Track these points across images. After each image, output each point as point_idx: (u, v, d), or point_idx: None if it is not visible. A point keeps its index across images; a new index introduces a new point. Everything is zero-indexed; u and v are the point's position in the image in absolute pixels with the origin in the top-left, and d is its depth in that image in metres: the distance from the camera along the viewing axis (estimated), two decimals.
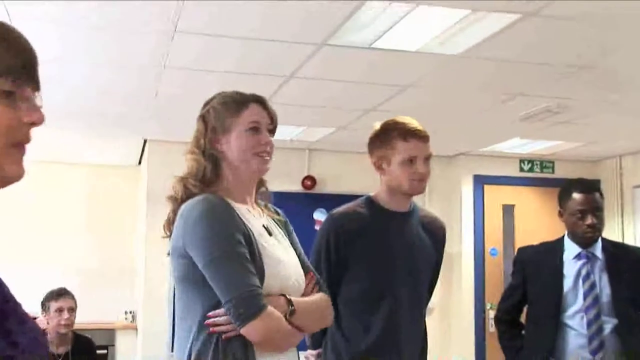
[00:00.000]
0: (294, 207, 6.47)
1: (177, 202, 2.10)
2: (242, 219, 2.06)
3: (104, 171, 7.60)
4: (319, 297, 2.20)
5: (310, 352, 2.97)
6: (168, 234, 2.13)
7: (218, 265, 1.95)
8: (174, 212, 2.11)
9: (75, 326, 5.31)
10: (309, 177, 6.64)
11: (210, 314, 1.97)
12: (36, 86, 1.12)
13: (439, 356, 6.48)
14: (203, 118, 2.18)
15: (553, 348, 3.42)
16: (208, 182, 2.11)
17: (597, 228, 3.45)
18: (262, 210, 2.25)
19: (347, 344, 2.75)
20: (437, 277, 2.98)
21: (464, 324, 6.79)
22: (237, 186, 2.16)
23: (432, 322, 6.37)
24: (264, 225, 2.17)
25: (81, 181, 7.59)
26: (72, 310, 4.79)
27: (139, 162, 7.24)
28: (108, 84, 4.55)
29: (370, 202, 2.83)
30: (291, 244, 2.26)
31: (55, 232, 7.47)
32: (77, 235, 7.52)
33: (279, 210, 2.34)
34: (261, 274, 2.00)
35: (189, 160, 2.14)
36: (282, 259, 2.12)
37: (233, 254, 1.95)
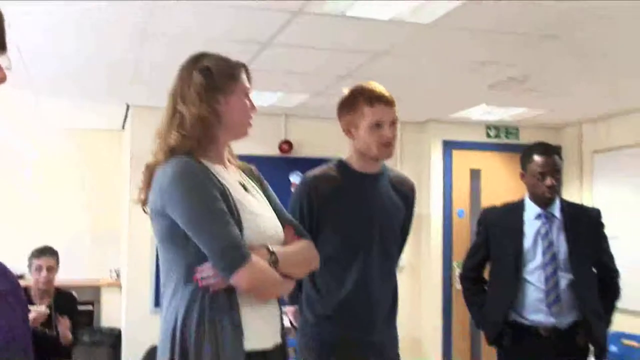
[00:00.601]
0: (272, 170, 6.45)
1: (165, 154, 2.06)
2: (217, 177, 2.05)
3: (90, 135, 7.55)
4: (301, 243, 2.21)
5: (289, 308, 3.01)
6: (142, 197, 2.12)
7: (199, 221, 1.95)
8: (149, 170, 2.09)
9: (63, 282, 5.36)
10: (286, 142, 6.63)
11: (197, 268, 1.97)
12: (2, 48, 1.11)
13: (409, 311, 6.59)
14: (204, 73, 2.11)
15: (513, 302, 3.49)
16: (202, 137, 2.08)
17: (555, 189, 3.50)
18: (235, 167, 2.25)
19: (322, 299, 2.78)
20: (407, 235, 3.01)
21: (432, 281, 6.86)
22: (218, 146, 2.15)
23: (402, 280, 6.43)
24: (240, 182, 2.17)
25: (69, 145, 7.54)
26: (52, 269, 4.82)
27: (123, 127, 7.20)
28: (92, 51, 4.48)
29: (342, 164, 2.85)
30: (267, 197, 2.26)
31: (45, 193, 7.45)
32: (66, 197, 7.51)
33: (252, 166, 2.34)
34: (239, 228, 2.00)
35: (193, 112, 2.07)
36: (259, 213, 2.13)
37: (212, 209, 1.95)
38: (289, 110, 6.41)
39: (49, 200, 7.45)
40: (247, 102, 2.18)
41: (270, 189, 2.33)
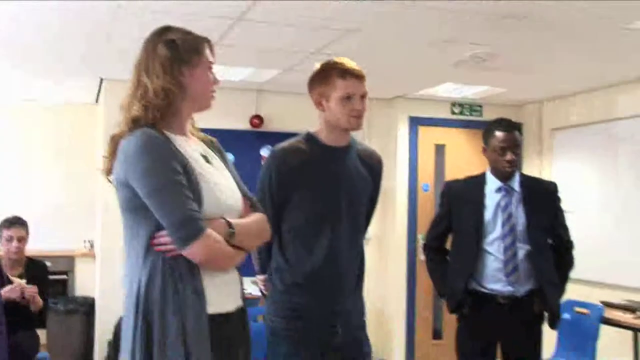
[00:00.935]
0: (243, 144, 6.54)
1: (128, 125, 2.06)
2: (179, 149, 2.06)
3: (64, 109, 7.49)
4: (255, 216, 2.23)
5: (259, 277, 3.03)
6: (107, 166, 2.13)
7: (158, 194, 1.96)
8: (114, 140, 2.10)
9: (38, 253, 5.38)
10: (257, 116, 6.61)
11: (156, 234, 1.99)
12: None
13: (375, 281, 6.66)
14: (169, 45, 2.11)
15: (473, 271, 3.55)
16: (166, 109, 2.08)
17: (515, 163, 3.55)
18: (197, 139, 2.26)
19: (291, 268, 2.80)
20: (374, 206, 3.03)
21: (397, 252, 6.92)
22: (181, 118, 2.16)
23: (369, 251, 6.48)
24: (201, 154, 2.18)
25: (44, 119, 7.49)
26: (22, 239, 4.83)
27: (97, 101, 7.13)
28: (63, 25, 4.41)
29: (311, 137, 2.86)
30: (227, 168, 2.28)
31: (20, 165, 7.44)
32: (42, 169, 7.48)
33: (213, 138, 2.35)
34: (199, 199, 2.02)
35: (157, 84, 2.06)
36: (219, 183, 2.14)
37: (171, 182, 1.96)
38: (260, 85, 6.39)
39: (23, 172, 7.42)
40: (211, 75, 2.19)
41: (229, 161, 2.35)
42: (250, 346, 2.24)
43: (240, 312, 2.20)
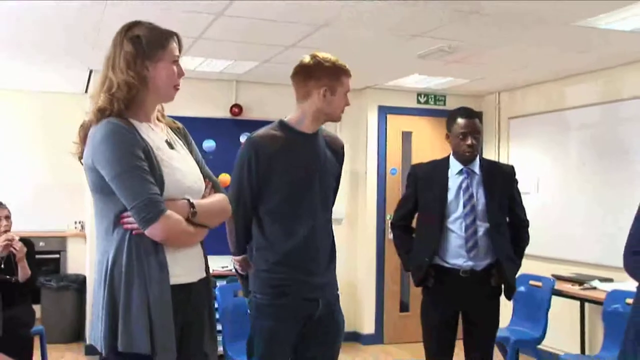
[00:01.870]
0: (224, 131, 6.52)
1: (95, 115, 2.09)
2: (143, 137, 2.08)
3: (55, 98, 7.40)
4: (217, 197, 2.26)
5: (235, 258, 3.01)
6: (79, 151, 2.16)
7: (121, 179, 1.99)
8: (83, 128, 2.14)
9: (32, 234, 5.34)
10: (236, 105, 6.57)
11: (123, 214, 2.02)
12: None
13: (346, 258, 6.69)
14: (133, 41, 2.12)
15: (437, 248, 3.57)
16: (130, 101, 2.10)
17: (475, 148, 3.57)
18: (164, 125, 2.27)
19: (272, 247, 2.80)
20: (338, 186, 3.05)
21: (367, 232, 6.95)
22: (146, 108, 2.17)
23: (342, 230, 6.57)
24: (166, 141, 2.20)
25: (35, 107, 7.41)
26: (7, 217, 4.85)
27: (86, 91, 7.04)
28: (52, 16, 4.32)
29: (284, 125, 2.85)
30: (190, 152, 2.30)
31: (13, 152, 7.35)
32: (33, 155, 7.41)
33: (179, 124, 2.36)
34: (161, 183, 2.05)
35: (120, 78, 2.08)
36: (180, 167, 2.17)
37: (133, 168, 2.00)
38: (239, 76, 6.34)
39: (17, 157, 7.32)
40: (175, 68, 2.18)
41: (194, 144, 2.37)
42: (213, 307, 2.31)
43: (204, 281, 2.25)
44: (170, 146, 2.20)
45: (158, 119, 2.26)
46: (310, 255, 2.79)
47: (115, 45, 2.13)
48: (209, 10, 4.08)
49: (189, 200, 2.11)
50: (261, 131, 2.85)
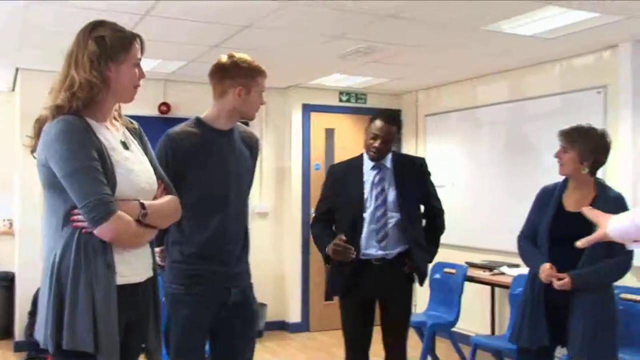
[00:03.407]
0: (152, 129, 6.27)
1: (52, 111, 2.04)
2: (98, 137, 2.06)
3: None
4: (167, 198, 2.26)
5: (156, 249, 3.03)
6: (32, 145, 2.12)
7: (72, 177, 1.96)
8: (38, 123, 2.09)
9: None
10: (164, 104, 6.55)
11: (74, 211, 2.00)
12: None
13: (273, 251, 6.75)
14: (97, 42, 2.09)
15: (354, 239, 3.63)
16: (90, 100, 2.07)
17: (380, 153, 3.66)
18: (120, 124, 2.25)
19: (187, 240, 2.82)
20: (252, 180, 3.08)
21: (293, 225, 6.97)
22: (104, 108, 2.15)
23: (268, 224, 6.64)
24: (121, 140, 2.18)
25: None
26: None
27: (13, 89, 6.86)
28: None
29: (200, 122, 2.89)
30: (145, 153, 2.29)
31: None
32: None
33: (135, 125, 2.35)
34: (113, 183, 2.03)
35: (83, 77, 2.05)
36: (133, 168, 2.15)
37: (85, 167, 1.97)
38: (167, 75, 6.33)
39: None
40: (137, 70, 2.18)
41: (149, 145, 2.35)
42: (160, 306, 2.29)
43: (151, 281, 2.24)
44: (125, 146, 2.17)
45: (115, 119, 2.22)
46: (223, 248, 2.83)
47: (79, 43, 2.09)
48: (135, 10, 4.08)
49: (140, 201, 2.09)
50: (178, 128, 2.87)
